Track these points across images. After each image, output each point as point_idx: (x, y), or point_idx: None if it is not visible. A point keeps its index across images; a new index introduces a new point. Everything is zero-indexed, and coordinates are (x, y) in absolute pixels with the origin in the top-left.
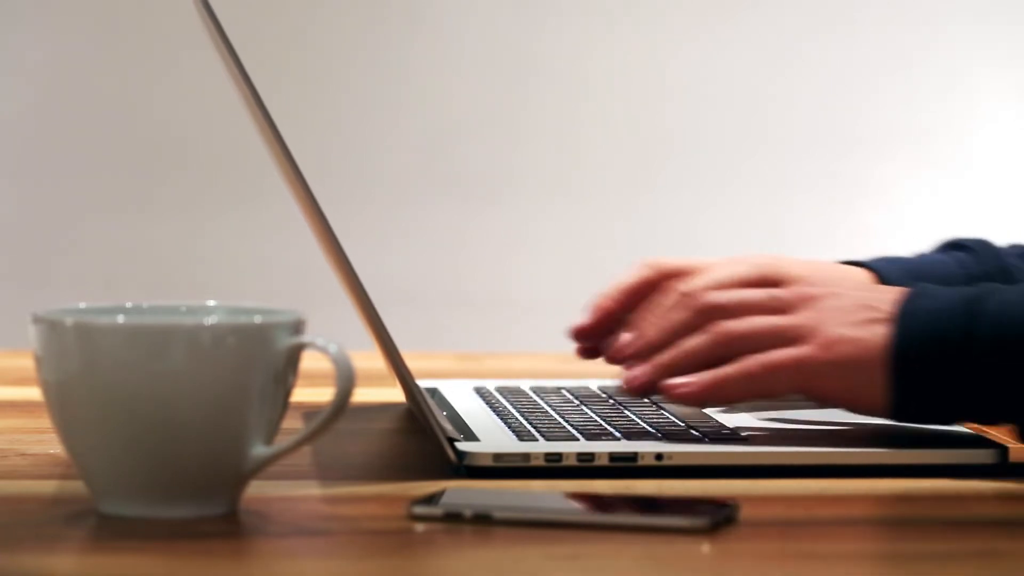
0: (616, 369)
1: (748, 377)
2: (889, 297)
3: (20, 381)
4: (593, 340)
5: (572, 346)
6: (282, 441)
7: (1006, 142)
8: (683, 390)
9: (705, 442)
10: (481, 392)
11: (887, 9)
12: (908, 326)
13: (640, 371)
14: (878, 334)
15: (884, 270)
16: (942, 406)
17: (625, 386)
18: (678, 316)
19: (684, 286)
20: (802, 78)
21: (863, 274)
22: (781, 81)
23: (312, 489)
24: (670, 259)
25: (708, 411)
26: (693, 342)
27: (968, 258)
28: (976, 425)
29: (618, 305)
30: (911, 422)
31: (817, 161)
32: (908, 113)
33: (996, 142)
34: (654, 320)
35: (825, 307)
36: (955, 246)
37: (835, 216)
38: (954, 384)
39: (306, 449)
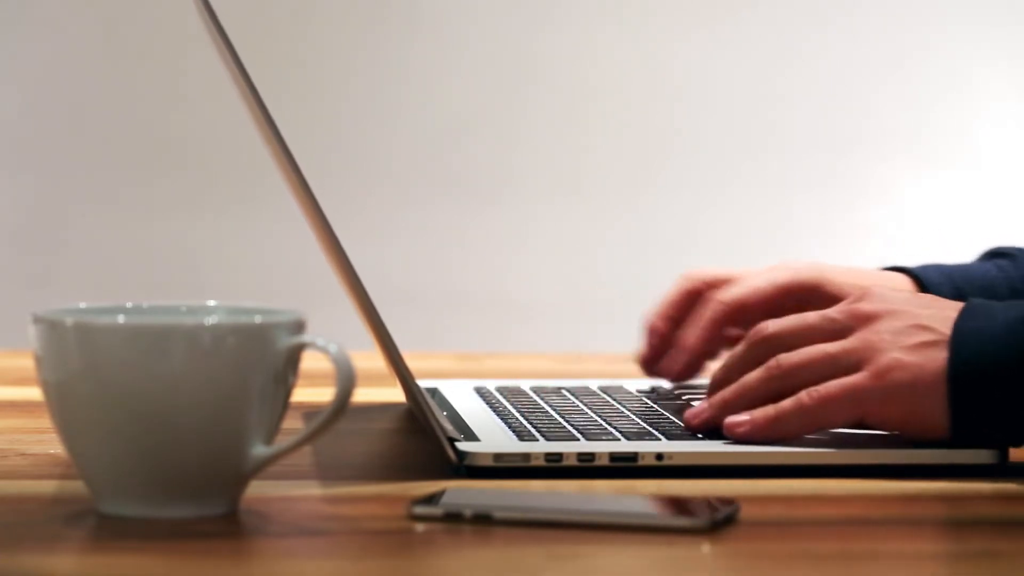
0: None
1: (803, 412)
2: (945, 315)
3: (20, 381)
4: (656, 362)
5: (572, 346)
6: (282, 441)
7: (1006, 142)
8: (742, 429)
9: (705, 442)
10: (481, 392)
11: (887, 9)
12: (962, 350)
13: (700, 408)
14: (933, 358)
15: (926, 276)
16: (1002, 428)
17: (687, 423)
18: (738, 350)
19: (722, 295)
20: (802, 78)
21: (904, 281)
22: (781, 81)
23: (312, 489)
24: (709, 270)
25: None
26: (750, 378)
27: (1009, 265)
28: None
29: (667, 324)
30: (972, 445)
31: (817, 161)
32: (908, 113)
33: (996, 142)
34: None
35: (880, 329)
36: (997, 254)
37: (835, 216)
38: (1013, 407)
39: (306, 449)
